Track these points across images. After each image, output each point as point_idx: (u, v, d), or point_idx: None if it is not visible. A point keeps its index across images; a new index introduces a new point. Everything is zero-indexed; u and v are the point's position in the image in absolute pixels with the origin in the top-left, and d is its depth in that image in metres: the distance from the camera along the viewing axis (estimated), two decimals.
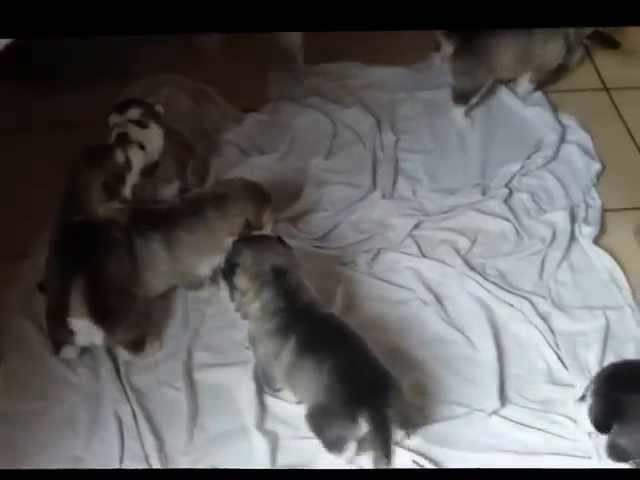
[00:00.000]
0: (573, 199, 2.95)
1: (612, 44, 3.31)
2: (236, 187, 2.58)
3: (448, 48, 3.14)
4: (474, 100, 3.20)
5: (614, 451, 2.18)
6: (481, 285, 2.64)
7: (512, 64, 3.19)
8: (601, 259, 2.76)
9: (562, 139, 3.13)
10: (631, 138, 3.20)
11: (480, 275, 2.68)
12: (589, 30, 3.22)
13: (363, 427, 2.11)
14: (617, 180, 3.04)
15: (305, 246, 2.74)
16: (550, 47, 3.20)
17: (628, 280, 2.71)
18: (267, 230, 2.60)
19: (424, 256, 2.74)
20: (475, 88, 3.17)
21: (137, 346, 2.46)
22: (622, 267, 2.74)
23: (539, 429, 2.32)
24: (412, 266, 2.71)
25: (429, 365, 2.45)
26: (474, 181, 2.99)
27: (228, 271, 2.29)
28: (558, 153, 3.09)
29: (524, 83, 3.29)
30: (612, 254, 2.78)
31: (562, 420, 2.34)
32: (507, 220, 2.85)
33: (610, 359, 2.47)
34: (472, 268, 2.71)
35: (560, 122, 3.20)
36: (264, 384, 2.36)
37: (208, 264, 2.57)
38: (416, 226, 2.81)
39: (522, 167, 3.01)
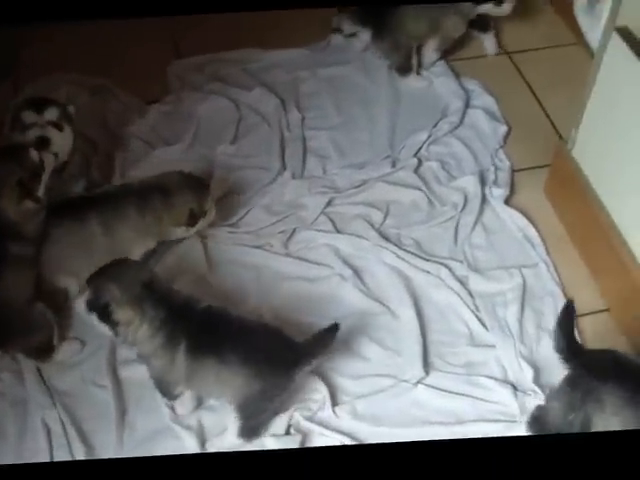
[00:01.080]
0: (482, 163, 2.98)
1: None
2: (174, 180, 2.58)
3: (366, 34, 3.23)
4: (414, 62, 3.26)
5: (536, 418, 2.21)
6: (397, 255, 2.65)
7: (423, 32, 3.25)
8: (513, 219, 2.80)
9: (467, 104, 3.16)
10: (535, 97, 3.24)
11: (396, 245, 2.69)
12: None
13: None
14: (524, 140, 3.08)
15: (219, 233, 2.73)
16: (453, 17, 3.25)
17: (541, 236, 2.76)
18: (211, 216, 2.64)
19: (339, 232, 2.74)
20: (407, 55, 3.24)
21: (42, 353, 2.42)
22: (534, 224, 2.79)
23: (464, 394, 2.34)
24: (328, 243, 2.70)
25: (352, 339, 2.45)
26: (383, 153, 2.99)
27: (103, 313, 2.17)
28: (464, 119, 3.11)
29: (429, 52, 3.31)
30: (524, 213, 2.82)
31: (486, 382, 2.37)
32: (418, 189, 2.86)
33: (529, 315, 2.52)
34: (387, 239, 2.71)
35: (464, 88, 3.22)
36: (162, 395, 2.32)
37: (143, 247, 2.57)
38: (329, 203, 2.81)
39: (429, 135, 3.03)
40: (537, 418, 2.20)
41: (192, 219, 2.58)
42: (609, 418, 2.01)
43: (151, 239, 2.59)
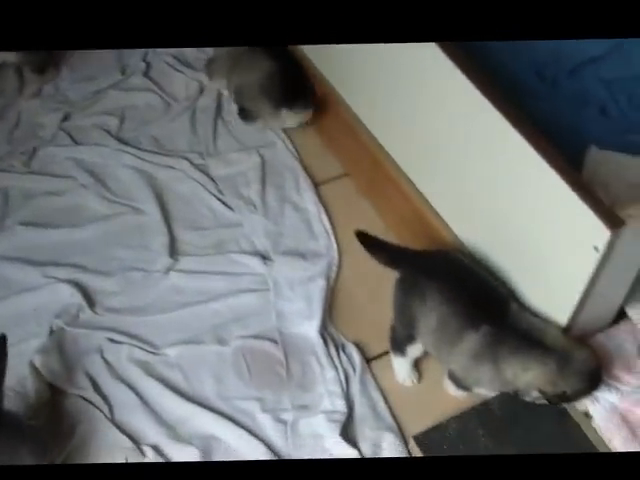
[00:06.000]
0: None
1: None
2: None
3: None
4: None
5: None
6: (137, 156, 2.71)
7: None
8: None
9: None
10: None
11: (135, 147, 2.75)
12: None
13: None
14: None
15: None
16: None
17: None
18: None
19: (78, 144, 2.77)
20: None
21: None
22: None
23: (217, 272, 2.46)
24: (70, 156, 2.72)
25: (99, 246, 2.51)
26: (115, 65, 3.01)
27: None
28: None
29: None
30: None
31: (236, 257, 2.49)
32: (151, 91, 2.92)
33: (270, 190, 2.67)
34: (126, 143, 2.77)
35: None
36: None
37: None
38: (65, 118, 2.83)
39: None
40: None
41: None
42: (428, 313, 2.06)
43: None
